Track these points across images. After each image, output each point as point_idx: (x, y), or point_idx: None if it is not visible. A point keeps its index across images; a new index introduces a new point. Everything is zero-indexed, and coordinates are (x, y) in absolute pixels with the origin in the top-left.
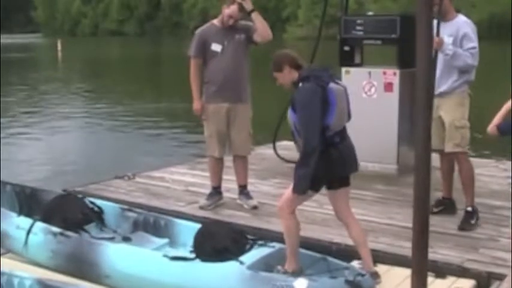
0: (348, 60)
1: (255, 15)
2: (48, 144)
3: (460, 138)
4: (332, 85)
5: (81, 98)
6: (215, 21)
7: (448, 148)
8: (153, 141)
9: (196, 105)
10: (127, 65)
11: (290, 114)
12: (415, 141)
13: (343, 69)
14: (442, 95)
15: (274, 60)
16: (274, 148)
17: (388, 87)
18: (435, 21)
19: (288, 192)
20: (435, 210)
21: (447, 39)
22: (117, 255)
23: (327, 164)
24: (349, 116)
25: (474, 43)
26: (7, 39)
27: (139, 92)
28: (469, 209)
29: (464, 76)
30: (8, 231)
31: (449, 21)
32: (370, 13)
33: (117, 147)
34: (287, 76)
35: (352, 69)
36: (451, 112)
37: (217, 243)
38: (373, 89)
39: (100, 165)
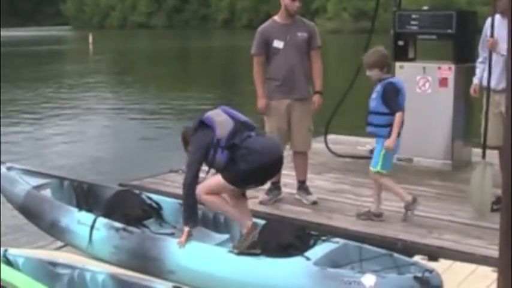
0: (401, 55)
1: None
2: (88, 138)
3: None
4: (208, 114)
5: (122, 92)
6: (276, 18)
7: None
8: None
9: (260, 103)
10: (160, 58)
11: None
12: (504, 141)
13: (397, 64)
14: (503, 91)
15: (182, 136)
16: (326, 142)
17: (443, 82)
18: (490, 20)
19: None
20: (495, 207)
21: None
22: (181, 251)
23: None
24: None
25: None
26: (37, 31)
27: (177, 85)
28: None
29: None
30: (69, 226)
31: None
32: (425, 8)
33: (159, 140)
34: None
35: (406, 64)
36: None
37: (282, 239)
38: (427, 84)
39: (141, 160)
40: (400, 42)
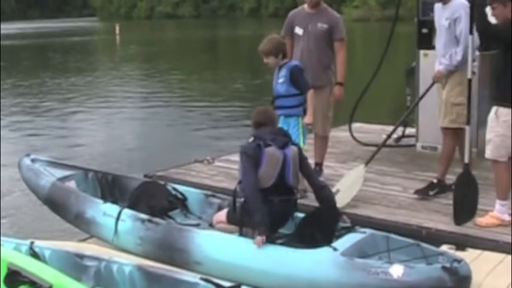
0: (425, 42)
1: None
2: (115, 130)
3: (455, 114)
4: (269, 149)
5: (147, 83)
6: (305, 5)
7: (444, 123)
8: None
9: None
10: (187, 48)
11: None
12: None
13: (421, 52)
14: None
15: (252, 116)
16: (351, 131)
17: None
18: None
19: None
20: (431, 193)
21: (444, 22)
22: (208, 242)
23: None
24: (285, 181)
25: (463, 26)
26: (65, 22)
27: (204, 75)
28: (435, 180)
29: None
30: (94, 218)
31: (447, 4)
32: None
33: (184, 130)
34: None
35: (431, 52)
36: (448, 89)
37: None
38: None
39: (169, 150)
40: (424, 30)
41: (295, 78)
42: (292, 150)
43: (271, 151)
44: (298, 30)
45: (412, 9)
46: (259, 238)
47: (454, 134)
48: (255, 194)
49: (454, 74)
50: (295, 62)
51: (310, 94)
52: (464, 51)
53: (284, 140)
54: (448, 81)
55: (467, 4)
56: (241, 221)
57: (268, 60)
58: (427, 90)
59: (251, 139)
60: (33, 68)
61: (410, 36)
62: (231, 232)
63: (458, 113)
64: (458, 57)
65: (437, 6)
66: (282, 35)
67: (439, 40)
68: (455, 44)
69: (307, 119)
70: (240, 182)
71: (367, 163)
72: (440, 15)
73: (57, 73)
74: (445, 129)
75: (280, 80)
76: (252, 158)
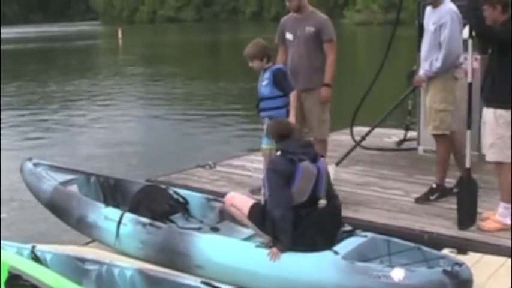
0: None
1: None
2: (116, 134)
3: (439, 121)
4: (303, 164)
5: (149, 87)
6: None
7: (429, 130)
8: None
9: None
10: (189, 52)
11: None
12: None
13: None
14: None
15: (269, 130)
16: (352, 134)
17: None
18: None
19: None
20: (432, 197)
21: (431, 27)
22: (209, 246)
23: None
24: (317, 194)
25: (448, 32)
26: (68, 27)
27: (206, 79)
28: (434, 185)
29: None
30: (96, 222)
31: (436, 8)
32: None
33: (186, 136)
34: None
35: None
36: (431, 95)
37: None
38: None
39: (171, 154)
40: None
41: (279, 80)
42: (323, 162)
43: (306, 166)
44: (289, 36)
45: (413, 12)
46: (275, 251)
47: (445, 140)
48: (286, 215)
49: (436, 80)
50: (278, 65)
51: (292, 96)
52: (445, 58)
53: (314, 152)
54: (431, 88)
55: (455, 10)
56: (266, 228)
57: (253, 64)
58: (407, 95)
59: (278, 153)
60: (36, 72)
61: (411, 39)
62: (240, 221)
63: (442, 119)
64: (438, 64)
65: (428, 9)
66: (276, 42)
67: (424, 44)
68: (438, 50)
69: (292, 119)
70: (269, 195)
71: (338, 163)
72: (429, 19)
73: (60, 77)
74: (434, 135)
75: (264, 83)
76: (284, 176)
